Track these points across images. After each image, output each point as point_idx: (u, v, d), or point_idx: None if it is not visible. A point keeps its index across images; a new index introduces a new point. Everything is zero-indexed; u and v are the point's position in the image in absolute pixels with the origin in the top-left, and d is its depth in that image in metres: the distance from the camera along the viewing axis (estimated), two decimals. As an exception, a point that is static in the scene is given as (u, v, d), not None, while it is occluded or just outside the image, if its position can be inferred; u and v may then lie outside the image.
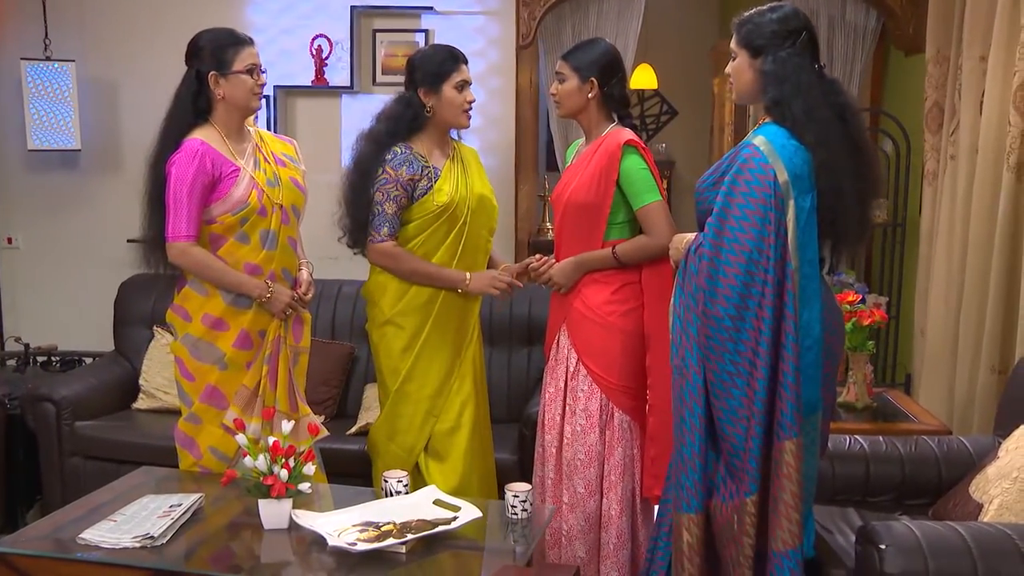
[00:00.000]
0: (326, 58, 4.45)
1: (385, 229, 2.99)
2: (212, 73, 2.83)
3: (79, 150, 4.50)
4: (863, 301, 3.58)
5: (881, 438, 2.98)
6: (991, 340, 3.38)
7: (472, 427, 3.12)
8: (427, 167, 3.00)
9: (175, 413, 3.84)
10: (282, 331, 2.93)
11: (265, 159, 2.93)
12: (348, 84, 4.46)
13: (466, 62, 3.06)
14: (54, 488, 3.72)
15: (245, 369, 2.89)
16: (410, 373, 3.07)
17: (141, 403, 3.97)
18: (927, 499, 2.86)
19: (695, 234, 2.49)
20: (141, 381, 3.99)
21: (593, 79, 2.93)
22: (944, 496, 2.76)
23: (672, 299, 2.51)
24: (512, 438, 3.54)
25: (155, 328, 4.07)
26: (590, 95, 2.94)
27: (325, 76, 4.45)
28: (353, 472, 3.30)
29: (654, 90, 8.39)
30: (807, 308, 2.34)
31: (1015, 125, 3.28)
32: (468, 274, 3.05)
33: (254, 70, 2.86)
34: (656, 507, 2.97)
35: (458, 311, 3.11)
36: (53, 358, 4.42)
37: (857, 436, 2.99)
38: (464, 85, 3.03)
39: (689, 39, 8.58)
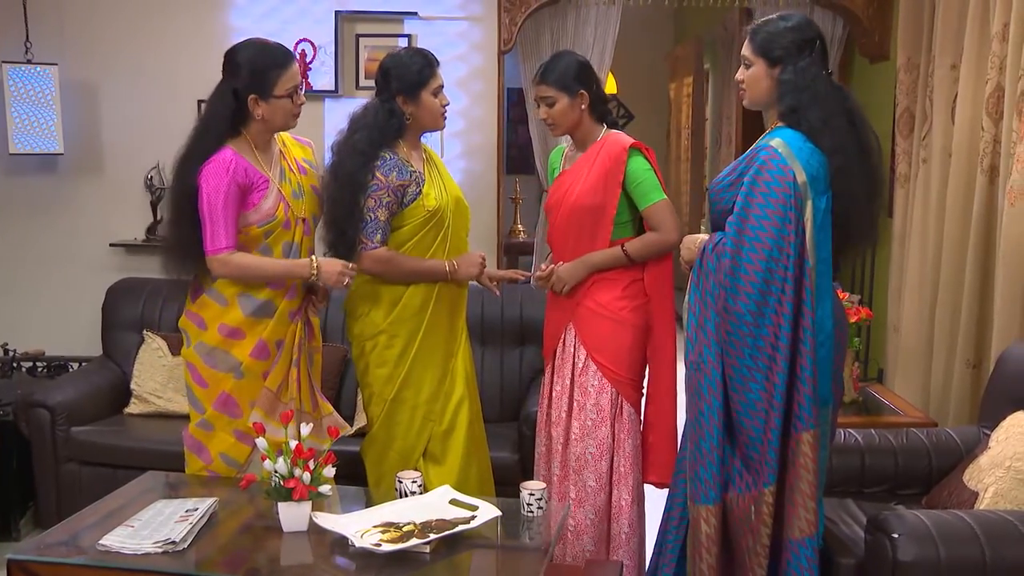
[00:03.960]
0: (310, 62, 4.47)
1: (378, 236, 2.97)
2: (252, 96, 2.78)
3: (61, 154, 4.45)
4: (841, 300, 3.71)
5: (873, 431, 3.11)
6: (966, 335, 3.52)
7: (467, 428, 3.14)
8: (413, 172, 3.01)
9: (168, 417, 3.88)
10: (302, 333, 2.95)
11: (290, 168, 2.92)
12: (332, 88, 4.49)
13: (439, 64, 3.07)
14: (48, 495, 3.69)
15: (261, 379, 2.89)
16: (406, 380, 3.07)
17: (133, 408, 3.95)
18: (919, 489, 2.98)
19: (708, 234, 2.57)
20: (133, 386, 3.97)
21: (583, 91, 3.01)
22: (938, 485, 2.89)
23: (687, 296, 2.58)
24: (510, 437, 3.60)
25: (144, 332, 4.05)
26: (583, 107, 3.02)
27: (309, 80, 4.46)
28: (350, 473, 3.30)
29: (612, 95, 8.52)
30: (821, 305, 2.43)
31: (987, 130, 3.43)
32: (454, 261, 3.07)
33: (295, 92, 2.83)
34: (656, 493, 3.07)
35: (448, 314, 3.13)
36: (38, 363, 4.37)
37: (850, 429, 3.11)
38: (440, 89, 3.05)
39: (646, 46, 8.73)
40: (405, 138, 3.05)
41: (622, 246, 3.02)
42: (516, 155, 7.67)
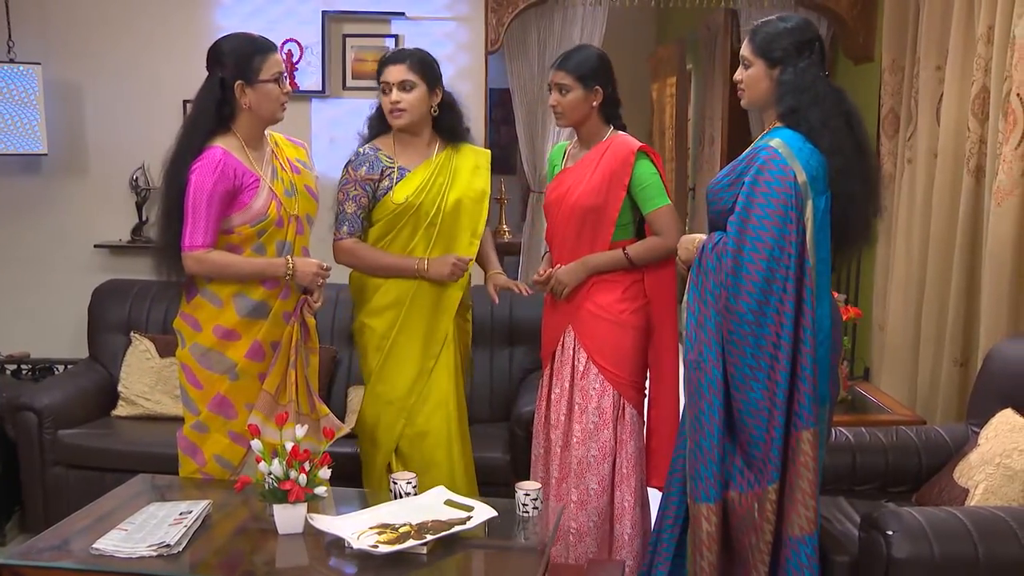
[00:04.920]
0: (297, 63, 4.46)
1: (345, 227, 3.03)
2: (238, 83, 2.77)
3: (45, 154, 4.41)
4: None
5: (863, 429, 3.13)
6: (953, 334, 3.55)
7: (442, 434, 3.09)
8: (391, 167, 3.01)
9: (157, 420, 3.86)
10: (298, 335, 2.93)
11: (282, 167, 2.91)
12: (319, 88, 4.48)
13: (394, 63, 2.99)
14: (36, 498, 3.65)
15: (256, 380, 2.87)
16: (380, 374, 3.08)
17: (121, 410, 3.92)
18: (908, 486, 3.01)
19: (705, 235, 2.58)
20: (120, 388, 3.93)
21: (598, 87, 3.01)
22: (928, 483, 2.92)
23: (685, 296, 2.59)
24: (500, 437, 3.59)
25: (131, 334, 4.02)
26: (595, 103, 3.02)
27: (296, 80, 4.44)
28: (346, 475, 3.28)
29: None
30: (820, 304, 2.45)
31: (973, 131, 3.46)
32: (425, 259, 3.01)
33: (280, 78, 2.83)
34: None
35: (430, 315, 3.08)
36: (23, 366, 4.33)
37: (841, 428, 3.13)
38: (386, 87, 3.00)
39: (628, 46, 8.74)
40: (395, 135, 3.05)
41: (623, 249, 3.03)
42: (499, 155, 7.66)
